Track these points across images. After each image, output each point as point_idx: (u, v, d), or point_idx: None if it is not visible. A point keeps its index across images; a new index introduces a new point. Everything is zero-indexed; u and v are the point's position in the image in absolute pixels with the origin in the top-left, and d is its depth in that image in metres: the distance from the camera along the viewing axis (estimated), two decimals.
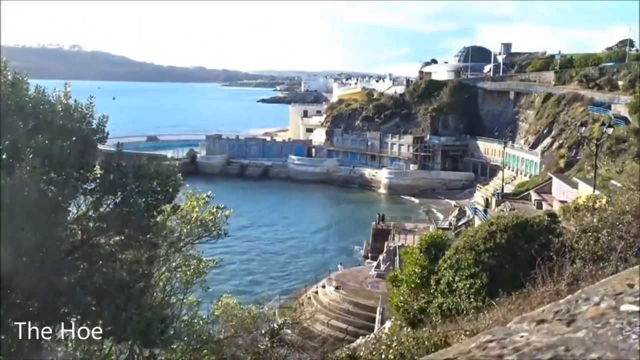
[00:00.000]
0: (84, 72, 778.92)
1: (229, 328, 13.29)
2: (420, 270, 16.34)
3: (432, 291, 15.73)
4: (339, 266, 54.06)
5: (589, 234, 14.03)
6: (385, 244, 54.98)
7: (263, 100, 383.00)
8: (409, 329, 14.60)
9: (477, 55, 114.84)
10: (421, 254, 16.83)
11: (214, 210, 12.89)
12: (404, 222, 64.12)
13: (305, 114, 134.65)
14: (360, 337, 34.54)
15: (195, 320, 13.00)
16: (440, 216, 72.93)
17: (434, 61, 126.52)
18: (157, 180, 9.66)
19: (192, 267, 12.98)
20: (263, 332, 16.89)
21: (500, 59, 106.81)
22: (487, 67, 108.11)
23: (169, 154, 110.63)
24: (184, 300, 13.05)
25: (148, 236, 9.35)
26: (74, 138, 8.83)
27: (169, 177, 10.35)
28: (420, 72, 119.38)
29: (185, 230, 12.47)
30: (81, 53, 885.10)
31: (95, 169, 9.57)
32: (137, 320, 8.01)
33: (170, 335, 9.34)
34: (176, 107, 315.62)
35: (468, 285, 14.19)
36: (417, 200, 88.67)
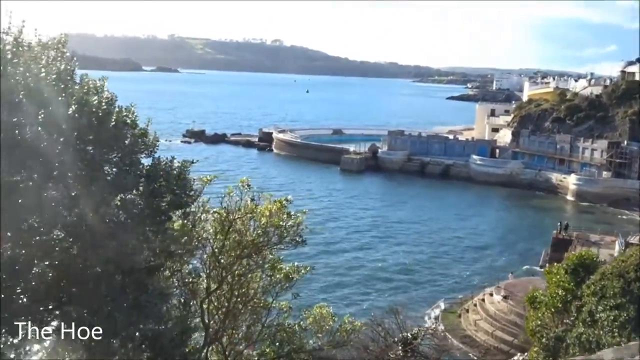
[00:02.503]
0: (283, 65, 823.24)
1: (319, 339, 13.05)
2: (563, 294, 15.04)
3: (572, 319, 14.40)
4: (509, 275, 51.73)
5: None
6: (565, 255, 51.53)
7: (452, 98, 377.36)
8: None
9: None
10: (566, 275, 15.47)
11: (285, 215, 12.36)
12: (589, 233, 59.62)
13: (493, 113, 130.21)
14: (523, 354, 32.68)
15: (288, 327, 12.87)
16: (632, 230, 66.74)
17: None
18: (165, 183, 9.26)
19: (282, 272, 12.77)
20: (395, 340, 16.57)
21: None
22: None
23: (352, 147, 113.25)
24: (274, 305, 12.98)
25: (164, 242, 9.10)
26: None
27: (180, 179, 9.65)
28: (622, 72, 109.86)
29: (255, 235, 12.15)
30: (281, 47, 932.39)
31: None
32: (142, 329, 8.04)
33: (185, 352, 9.25)
34: (365, 102, 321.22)
35: (612, 317, 12.80)
36: (607, 211, 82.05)
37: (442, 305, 48.18)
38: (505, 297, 44.57)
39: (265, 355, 12.22)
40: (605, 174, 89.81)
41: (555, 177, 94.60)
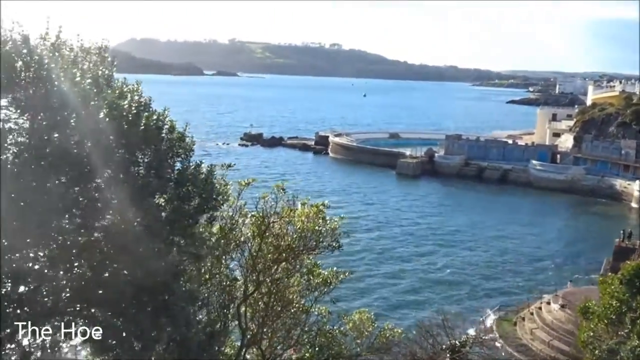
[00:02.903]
0: (341, 69, 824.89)
1: (357, 345, 12.83)
2: (617, 305, 14.38)
3: (626, 331, 13.73)
4: (568, 283, 50.24)
5: None
6: (621, 265, 49.69)
7: (512, 102, 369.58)
8: None
9: None
10: (621, 286, 14.80)
11: (321, 220, 12.19)
12: None
13: (554, 118, 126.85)
14: None
15: (327, 331, 12.70)
16: None
17: None
18: (193, 187, 9.18)
19: (320, 277, 12.61)
20: (443, 347, 16.25)
21: None
22: None
23: (408, 151, 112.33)
24: (313, 310, 12.82)
25: (193, 246, 9.02)
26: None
27: (207, 183, 9.54)
28: None
29: (290, 240, 12.00)
30: (340, 51, 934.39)
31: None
32: (169, 332, 7.98)
33: (214, 355, 9.16)
34: (423, 106, 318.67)
35: None
36: None
37: (498, 313, 47.16)
38: (563, 306, 43.31)
39: (305, 359, 12.15)
40: None
41: (619, 183, 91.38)
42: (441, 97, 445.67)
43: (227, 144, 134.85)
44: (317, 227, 12.05)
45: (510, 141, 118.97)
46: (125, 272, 7.79)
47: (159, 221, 8.31)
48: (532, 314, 45.26)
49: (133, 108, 8.47)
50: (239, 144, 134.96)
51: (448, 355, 17.23)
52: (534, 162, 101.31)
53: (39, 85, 7.52)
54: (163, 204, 8.71)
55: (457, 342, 17.82)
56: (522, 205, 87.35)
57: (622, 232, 57.89)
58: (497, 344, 41.81)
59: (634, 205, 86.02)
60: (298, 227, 12.02)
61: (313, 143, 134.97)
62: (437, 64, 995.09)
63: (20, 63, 7.57)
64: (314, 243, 12.08)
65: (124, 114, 8.16)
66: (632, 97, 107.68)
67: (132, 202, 7.88)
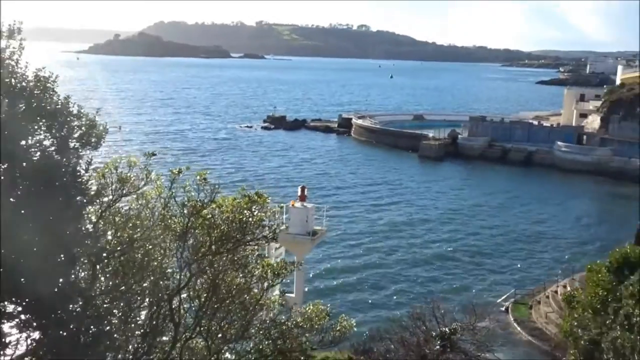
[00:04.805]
0: (370, 50, 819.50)
1: (307, 338, 12.47)
2: (604, 294, 13.93)
3: (608, 322, 13.30)
4: (587, 267, 49.31)
5: None
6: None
7: (542, 82, 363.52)
8: None
9: None
10: (608, 274, 14.33)
11: (249, 211, 11.82)
12: None
13: (582, 98, 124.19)
14: None
15: (282, 323, 12.38)
16: None
17: None
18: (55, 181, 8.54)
19: (269, 268, 12.31)
20: (433, 334, 16.00)
21: None
22: None
23: (431, 133, 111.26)
24: (265, 302, 12.49)
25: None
26: None
27: (73, 175, 8.95)
28: None
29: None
30: (368, 33, 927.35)
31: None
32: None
33: (100, 352, 8.88)
34: (451, 87, 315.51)
35: None
36: None
37: (515, 296, 46.60)
38: (582, 289, 42.58)
39: (261, 351, 11.95)
40: None
41: None
42: (469, 78, 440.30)
43: (250, 127, 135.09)
44: (244, 218, 11.75)
45: (535, 122, 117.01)
46: None
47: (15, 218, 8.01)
48: (547, 297, 44.67)
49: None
50: (262, 127, 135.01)
51: (438, 342, 16.98)
52: (559, 143, 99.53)
53: None
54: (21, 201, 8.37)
55: (446, 330, 17.54)
56: (546, 187, 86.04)
57: None
58: (511, 329, 41.36)
59: None
60: (225, 217, 11.71)
61: (336, 125, 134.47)
62: (466, 44, 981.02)
63: None
64: (247, 234, 11.77)
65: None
66: None
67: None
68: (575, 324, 14.63)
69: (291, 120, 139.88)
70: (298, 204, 29.91)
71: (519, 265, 54.03)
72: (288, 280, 28.35)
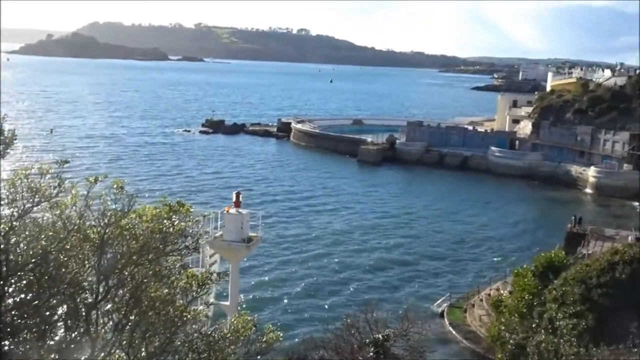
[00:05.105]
0: (309, 55, 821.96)
1: (232, 350, 12.29)
2: (530, 298, 14.26)
3: (534, 325, 13.61)
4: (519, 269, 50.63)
5: None
6: (578, 249, 50.40)
7: (477, 88, 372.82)
8: None
9: None
10: (534, 278, 14.68)
11: (169, 221, 11.63)
12: (604, 228, 58.06)
13: (515, 104, 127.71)
14: None
15: (207, 335, 12.16)
16: None
17: None
18: None
19: (193, 279, 12.09)
20: (367, 341, 15.95)
21: None
22: None
23: (370, 138, 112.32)
24: (188, 314, 12.24)
25: None
26: None
27: None
28: None
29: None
30: (308, 37, 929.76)
31: None
32: None
33: None
34: (389, 92, 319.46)
35: (571, 326, 12.03)
36: (626, 204, 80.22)
37: (450, 300, 47.34)
38: (511, 293, 43.61)
39: None
40: (626, 166, 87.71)
41: (574, 169, 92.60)
42: (407, 83, 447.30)
43: (188, 131, 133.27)
44: (165, 229, 11.47)
45: (470, 127, 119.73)
46: None
47: None
48: (482, 300, 45.55)
49: None
50: (200, 131, 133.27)
51: (371, 349, 16.99)
52: (493, 148, 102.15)
53: None
54: None
55: (379, 337, 17.57)
56: (481, 191, 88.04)
57: (573, 217, 58.61)
58: (446, 333, 42.00)
59: (588, 190, 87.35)
60: (145, 227, 11.39)
61: (275, 130, 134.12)
62: (404, 50, 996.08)
63: None
64: (168, 244, 11.48)
65: None
66: (588, 84, 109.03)
67: None
68: (503, 328, 14.91)
69: (230, 125, 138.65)
70: (233, 210, 29.51)
71: (455, 269, 54.91)
72: (220, 289, 28.07)
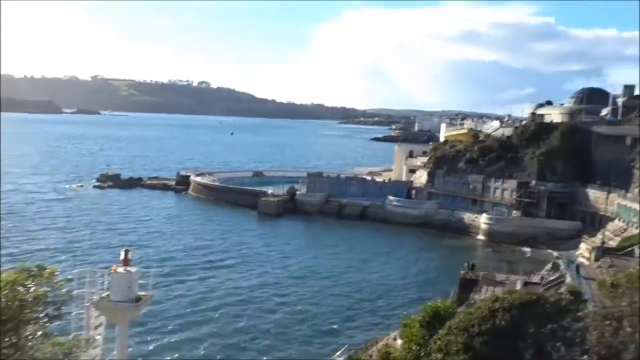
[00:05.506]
0: (210, 107, 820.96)
1: None
2: (417, 348, 14.09)
3: None
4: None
5: (607, 322, 11.39)
6: (470, 295, 51.56)
7: (376, 139, 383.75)
8: None
9: (594, 97, 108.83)
10: (421, 328, 14.57)
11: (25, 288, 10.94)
12: (495, 273, 59.96)
13: (411, 154, 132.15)
14: None
15: None
16: (536, 268, 67.82)
17: (549, 103, 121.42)
18: None
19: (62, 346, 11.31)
20: None
21: (620, 101, 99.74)
22: (605, 111, 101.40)
23: (270, 190, 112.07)
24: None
25: None
26: None
27: None
28: (532, 113, 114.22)
29: None
30: (208, 89, 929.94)
31: None
32: None
33: None
34: (290, 144, 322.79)
35: None
36: (515, 249, 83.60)
37: (348, 352, 46.81)
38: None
39: None
40: (514, 213, 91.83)
41: (467, 217, 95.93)
42: (308, 134, 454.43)
43: (81, 186, 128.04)
44: (19, 295, 10.59)
45: (369, 178, 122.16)
46: None
47: None
48: (379, 350, 45.34)
49: None
50: (94, 186, 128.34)
51: None
52: (391, 197, 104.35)
53: None
54: None
55: None
56: (378, 241, 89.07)
57: (466, 264, 60.25)
58: None
59: (480, 237, 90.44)
60: (3, 295, 10.47)
61: (174, 183, 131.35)
62: (304, 102, 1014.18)
63: None
64: (26, 313, 10.58)
65: None
66: (479, 135, 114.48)
67: None
68: None
69: (126, 179, 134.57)
70: (121, 269, 28.08)
71: (354, 321, 54.62)
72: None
